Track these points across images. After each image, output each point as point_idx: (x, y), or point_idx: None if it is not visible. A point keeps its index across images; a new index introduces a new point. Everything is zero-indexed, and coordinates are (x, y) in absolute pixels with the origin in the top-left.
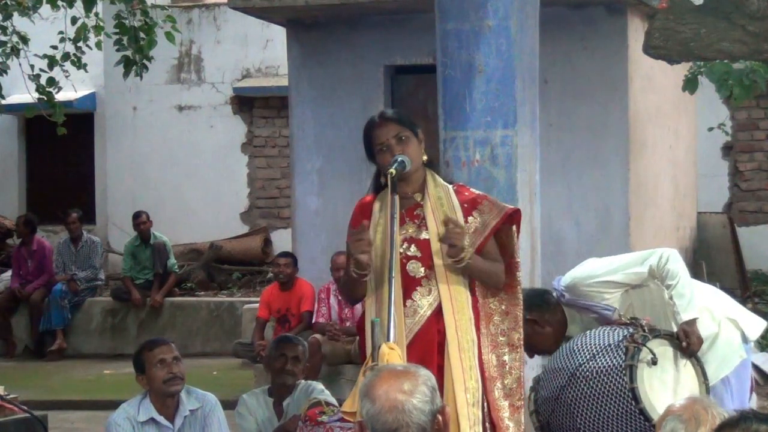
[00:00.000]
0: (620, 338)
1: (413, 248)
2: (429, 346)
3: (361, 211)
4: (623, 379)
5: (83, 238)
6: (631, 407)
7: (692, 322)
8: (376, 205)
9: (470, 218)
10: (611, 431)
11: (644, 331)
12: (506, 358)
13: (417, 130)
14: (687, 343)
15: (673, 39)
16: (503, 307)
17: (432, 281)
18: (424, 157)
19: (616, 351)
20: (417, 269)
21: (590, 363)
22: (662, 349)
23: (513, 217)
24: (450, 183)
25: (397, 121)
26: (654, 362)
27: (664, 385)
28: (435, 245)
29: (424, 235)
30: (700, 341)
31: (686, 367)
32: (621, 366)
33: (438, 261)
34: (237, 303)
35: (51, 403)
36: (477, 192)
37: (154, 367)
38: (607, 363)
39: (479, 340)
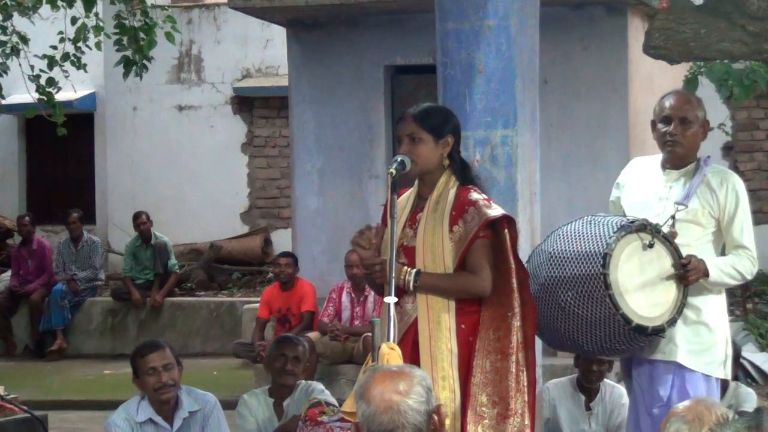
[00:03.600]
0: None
1: (402, 255)
2: (405, 346)
3: (386, 211)
4: (608, 230)
5: (83, 238)
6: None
7: (706, 267)
8: (401, 200)
9: (455, 227)
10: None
11: (657, 230)
12: (499, 365)
13: (441, 133)
14: (687, 264)
15: (673, 39)
16: (501, 313)
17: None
18: (446, 162)
19: (625, 221)
20: None
21: (603, 216)
22: (659, 255)
23: (503, 223)
24: (469, 182)
25: (417, 120)
26: (651, 245)
27: (640, 272)
28: (419, 253)
29: (412, 243)
30: (698, 275)
31: (669, 287)
32: (618, 225)
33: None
34: (237, 303)
35: (51, 403)
36: (472, 197)
37: (145, 375)
38: (614, 219)
39: (472, 346)
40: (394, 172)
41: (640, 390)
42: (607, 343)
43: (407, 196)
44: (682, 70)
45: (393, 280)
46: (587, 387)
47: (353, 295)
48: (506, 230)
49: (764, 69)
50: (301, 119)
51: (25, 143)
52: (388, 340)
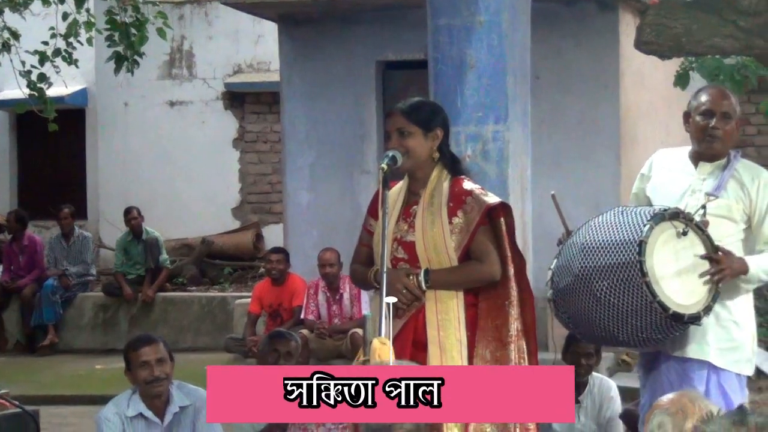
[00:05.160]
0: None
1: (401, 250)
2: (403, 344)
3: (376, 201)
4: (641, 218)
5: (75, 233)
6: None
7: (741, 262)
8: (390, 195)
9: (455, 219)
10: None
11: (690, 218)
12: (498, 354)
13: (430, 126)
14: (717, 258)
15: (665, 34)
16: (499, 302)
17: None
18: (436, 154)
19: (658, 210)
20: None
21: (634, 207)
22: (692, 243)
23: (499, 211)
24: (460, 174)
25: (405, 115)
26: (684, 233)
27: (675, 260)
28: (420, 248)
29: (410, 237)
30: (730, 274)
31: (700, 277)
32: (651, 213)
33: (423, 264)
34: (228, 298)
35: (42, 398)
36: (467, 187)
37: (138, 368)
38: (644, 210)
39: (474, 337)
40: (385, 167)
41: (669, 385)
42: (644, 333)
43: (398, 190)
44: (673, 65)
45: (385, 275)
46: (576, 381)
47: (328, 294)
48: (502, 219)
49: (755, 64)
50: (293, 115)
51: (16, 139)
52: (380, 335)
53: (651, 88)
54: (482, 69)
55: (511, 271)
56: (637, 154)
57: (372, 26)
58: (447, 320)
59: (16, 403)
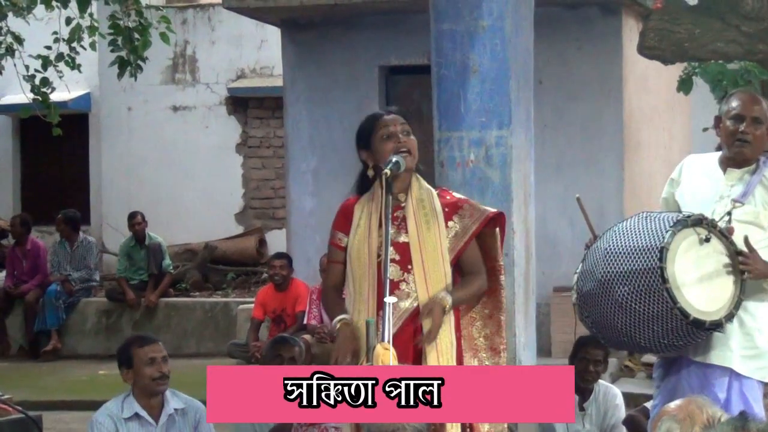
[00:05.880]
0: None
1: (391, 251)
2: (405, 347)
3: (344, 214)
4: (664, 225)
5: (79, 238)
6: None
7: (765, 264)
8: (357, 208)
9: (450, 222)
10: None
11: (713, 225)
12: (488, 363)
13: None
14: (746, 254)
15: (668, 39)
16: (486, 311)
17: (411, 285)
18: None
19: (681, 216)
20: (395, 272)
21: (659, 212)
22: (715, 250)
23: (496, 221)
24: (434, 188)
25: (404, 116)
26: (707, 240)
27: (697, 267)
28: (415, 250)
29: (402, 238)
30: (754, 274)
31: (727, 282)
32: (674, 220)
33: (417, 265)
34: (232, 303)
35: (45, 403)
36: (458, 196)
37: (144, 365)
38: (667, 215)
39: (459, 344)
40: (388, 172)
41: (690, 390)
42: (665, 339)
43: (364, 202)
44: (676, 70)
45: (388, 280)
46: (582, 387)
47: None
48: (497, 228)
49: (758, 69)
50: (296, 120)
51: (19, 143)
52: (383, 340)
53: (654, 93)
54: (485, 74)
55: (503, 280)
56: (641, 158)
57: (375, 31)
58: (441, 324)
59: (19, 408)
